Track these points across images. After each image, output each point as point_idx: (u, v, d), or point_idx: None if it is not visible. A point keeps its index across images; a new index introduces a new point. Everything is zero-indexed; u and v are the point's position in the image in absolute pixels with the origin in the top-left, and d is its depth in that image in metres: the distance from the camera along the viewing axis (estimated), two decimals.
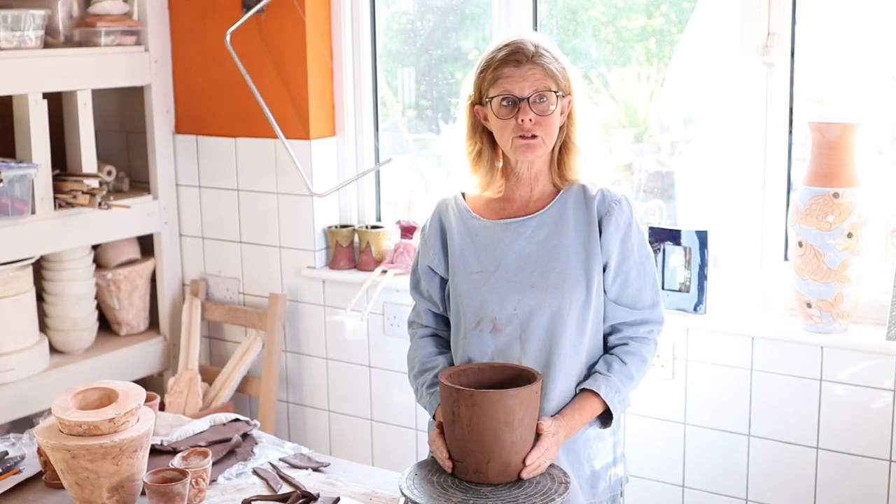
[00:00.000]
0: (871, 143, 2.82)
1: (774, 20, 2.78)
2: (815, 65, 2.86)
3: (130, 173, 3.91)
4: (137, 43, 3.60)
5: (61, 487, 2.17)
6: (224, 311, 3.72)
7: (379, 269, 3.38)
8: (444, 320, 2.26)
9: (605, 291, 2.13)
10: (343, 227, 3.51)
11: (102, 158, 3.75)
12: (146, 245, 3.84)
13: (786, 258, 2.88)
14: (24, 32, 3.26)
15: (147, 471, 2.06)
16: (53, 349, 3.57)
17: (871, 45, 2.83)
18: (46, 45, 3.39)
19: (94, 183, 3.40)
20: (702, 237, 2.86)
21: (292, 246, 3.58)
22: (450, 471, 1.94)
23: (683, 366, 2.91)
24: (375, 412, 3.51)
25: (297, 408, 3.69)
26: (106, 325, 3.80)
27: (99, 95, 3.65)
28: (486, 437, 1.87)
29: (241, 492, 2.15)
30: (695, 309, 2.88)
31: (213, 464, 2.20)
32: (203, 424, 2.44)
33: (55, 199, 3.37)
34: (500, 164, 2.16)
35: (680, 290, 2.90)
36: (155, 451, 2.30)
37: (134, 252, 3.79)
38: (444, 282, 2.21)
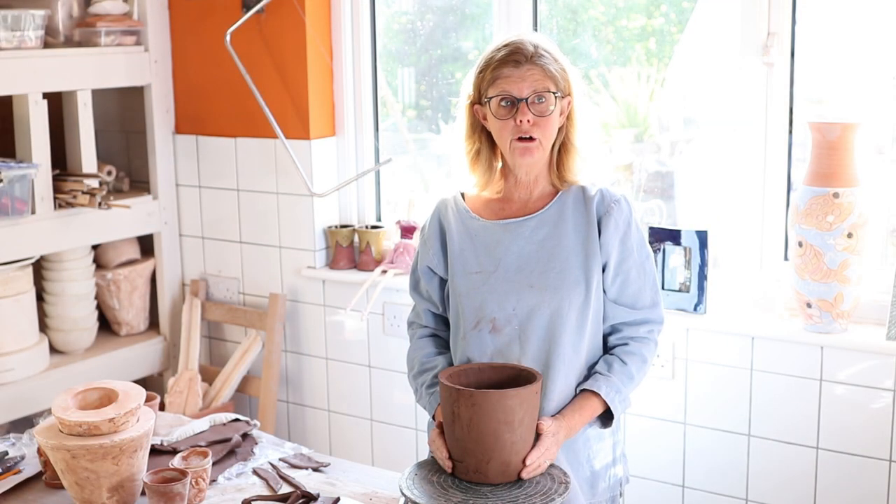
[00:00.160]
0: (871, 143, 2.82)
1: (774, 20, 2.78)
2: (815, 65, 2.86)
3: (130, 173, 3.91)
4: (137, 43, 3.60)
5: (61, 487, 2.17)
6: (224, 311, 3.72)
7: (379, 269, 3.38)
8: (443, 320, 2.26)
9: (604, 291, 2.13)
10: (343, 227, 3.51)
11: (102, 158, 3.76)
12: (146, 245, 3.84)
13: (786, 258, 2.88)
14: (24, 32, 3.26)
15: (147, 471, 2.06)
16: (53, 349, 3.57)
17: (871, 45, 2.83)
18: (46, 45, 3.39)
19: (94, 183, 3.40)
20: (702, 237, 2.86)
21: (292, 246, 3.58)
22: (450, 471, 1.94)
23: (683, 366, 2.91)
24: (375, 412, 3.51)
25: (297, 408, 3.69)
26: (106, 325, 3.80)
27: (99, 95, 3.65)
28: (486, 437, 1.87)
29: (241, 492, 2.15)
30: (695, 309, 2.88)
31: (213, 464, 2.20)
32: (203, 424, 2.44)
33: (55, 199, 3.37)
34: (499, 164, 2.16)
35: (680, 290, 2.90)
36: (155, 451, 2.30)
37: (134, 252, 3.79)
38: (443, 282, 2.21)
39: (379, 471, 2.35)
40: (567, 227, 2.10)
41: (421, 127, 3.71)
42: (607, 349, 2.17)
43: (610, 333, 2.17)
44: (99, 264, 3.71)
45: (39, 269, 3.56)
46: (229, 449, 2.33)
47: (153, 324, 3.90)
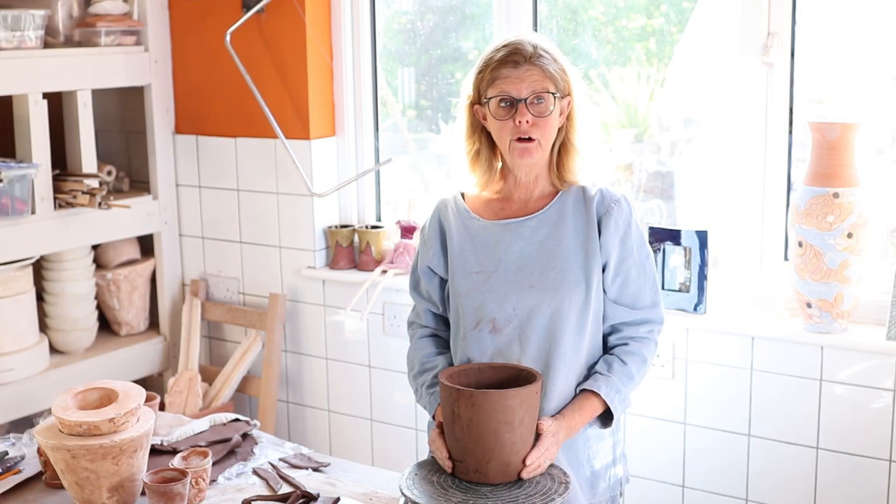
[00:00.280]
0: (871, 143, 2.82)
1: (774, 20, 2.78)
2: (815, 65, 2.86)
3: (130, 173, 3.91)
4: (137, 43, 3.60)
5: (61, 487, 2.17)
6: (224, 311, 3.72)
7: (379, 269, 3.38)
8: (443, 320, 2.26)
9: (604, 291, 2.13)
10: (343, 227, 3.51)
11: (102, 158, 3.76)
12: (146, 245, 3.84)
13: (786, 258, 2.88)
14: (24, 32, 3.26)
15: (147, 471, 2.06)
16: (53, 349, 3.57)
17: (871, 45, 2.83)
18: (46, 45, 3.39)
19: (94, 183, 3.40)
20: (702, 237, 2.86)
21: (292, 246, 3.58)
22: (450, 471, 1.94)
23: (683, 366, 2.91)
24: (375, 412, 3.51)
25: (297, 408, 3.69)
26: (106, 325, 3.80)
27: (99, 95, 3.65)
28: (486, 437, 1.87)
29: (241, 492, 2.15)
30: (695, 309, 2.88)
31: (213, 464, 2.20)
32: (203, 424, 2.44)
33: (55, 199, 3.37)
34: (499, 164, 2.16)
35: (680, 290, 2.90)
36: (155, 451, 2.30)
37: (134, 252, 3.79)
38: (443, 282, 2.21)
39: (379, 471, 2.35)
40: (567, 228, 2.10)
41: (421, 127, 3.71)
42: (607, 349, 2.17)
43: (610, 333, 2.17)
44: (99, 264, 3.71)
45: (39, 269, 3.56)
46: (229, 449, 2.33)
47: (153, 324, 3.90)
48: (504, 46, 2.07)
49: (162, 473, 2.02)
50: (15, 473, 2.24)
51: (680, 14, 3.19)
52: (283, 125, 3.45)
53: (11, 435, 2.43)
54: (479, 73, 2.09)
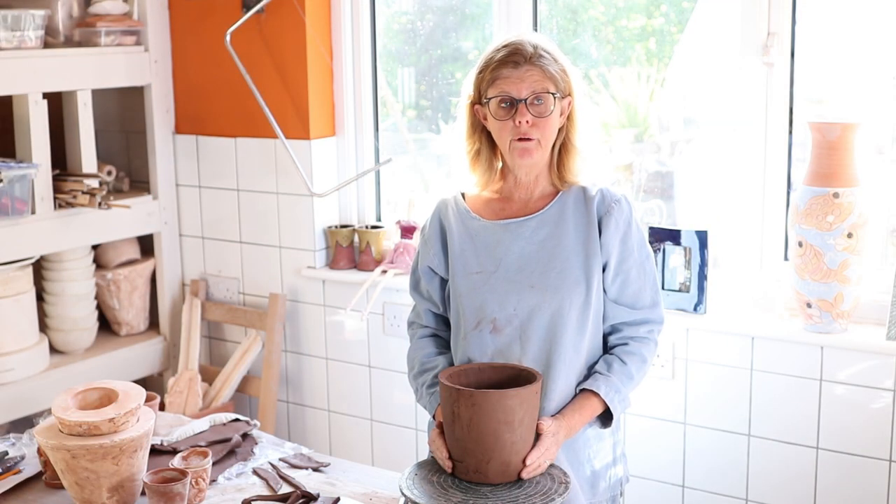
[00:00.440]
0: (871, 143, 2.82)
1: (774, 20, 2.78)
2: (815, 65, 2.86)
3: (130, 173, 3.91)
4: (137, 43, 3.60)
5: (61, 487, 2.17)
6: (224, 311, 3.72)
7: (379, 269, 3.38)
8: (443, 320, 2.26)
9: (604, 291, 2.13)
10: (343, 227, 3.51)
11: (102, 158, 3.76)
12: (146, 245, 3.84)
13: (786, 258, 2.88)
14: (24, 32, 3.26)
15: (147, 471, 2.06)
16: (53, 349, 3.57)
17: (871, 45, 2.83)
18: (46, 45, 3.39)
19: (94, 183, 3.40)
20: (702, 237, 2.86)
21: (292, 246, 3.58)
22: (450, 471, 1.94)
23: (683, 366, 2.91)
24: (375, 412, 3.51)
25: (297, 408, 3.69)
26: (106, 325, 3.80)
27: (99, 95, 3.65)
28: (486, 437, 1.87)
29: (241, 492, 2.15)
30: (695, 309, 2.88)
31: (213, 464, 2.20)
32: (203, 424, 2.44)
33: (55, 199, 3.37)
34: (500, 164, 2.17)
35: (680, 290, 2.90)
36: (155, 451, 2.30)
37: (134, 252, 3.79)
38: (444, 282, 2.21)
39: (379, 471, 2.35)
40: (568, 227, 2.10)
41: (421, 127, 3.71)
42: (607, 349, 2.17)
43: (610, 333, 2.17)
44: (99, 264, 3.71)
45: (39, 269, 3.56)
46: (229, 449, 2.33)
47: (153, 324, 3.90)
48: (504, 46, 2.07)
49: (162, 473, 2.02)
50: (15, 473, 2.24)
51: (680, 14, 3.19)
52: (283, 125, 3.45)
53: (11, 435, 2.43)
54: (480, 73, 2.09)
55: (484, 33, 3.44)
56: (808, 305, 2.69)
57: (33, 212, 3.29)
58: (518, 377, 1.97)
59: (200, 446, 2.28)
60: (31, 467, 2.27)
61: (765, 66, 2.81)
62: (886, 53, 2.77)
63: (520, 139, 2.05)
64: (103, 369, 3.57)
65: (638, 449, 2.98)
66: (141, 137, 3.80)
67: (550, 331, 2.07)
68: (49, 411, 2.43)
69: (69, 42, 3.50)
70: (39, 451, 2.23)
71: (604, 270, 2.11)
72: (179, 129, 3.75)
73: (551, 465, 1.97)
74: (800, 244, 2.67)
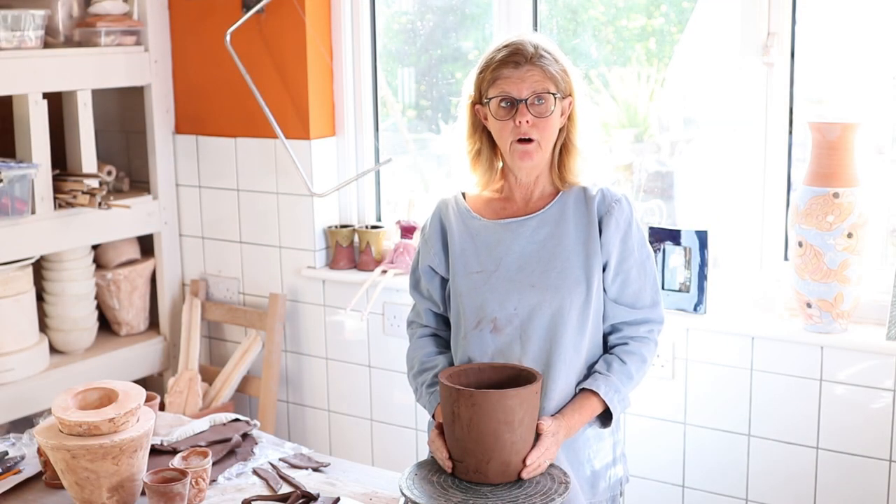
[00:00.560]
0: (871, 143, 2.82)
1: (774, 20, 2.78)
2: (815, 65, 2.86)
3: (130, 173, 3.91)
4: (137, 43, 3.60)
5: (61, 487, 2.17)
6: (224, 311, 3.72)
7: (379, 269, 3.38)
8: (443, 320, 2.26)
9: (605, 291, 2.13)
10: (343, 227, 3.51)
11: (102, 158, 3.76)
12: (146, 245, 3.84)
13: (786, 258, 2.88)
14: (24, 32, 3.26)
15: (147, 471, 2.06)
16: (53, 349, 3.57)
17: (871, 45, 2.83)
18: (46, 45, 3.39)
19: (94, 183, 3.40)
20: (702, 237, 2.86)
21: (292, 246, 3.58)
22: (450, 471, 1.94)
23: (683, 366, 2.91)
24: (375, 412, 3.51)
25: (297, 408, 3.69)
26: (106, 325, 3.80)
27: (99, 95, 3.65)
28: (486, 437, 1.87)
29: (241, 492, 2.15)
30: (695, 309, 2.88)
31: (213, 464, 2.20)
32: (203, 424, 2.44)
33: (55, 199, 3.37)
34: (500, 164, 2.17)
35: (680, 290, 2.90)
36: (155, 451, 2.30)
37: (134, 252, 3.79)
38: (444, 281, 2.21)
39: (379, 471, 2.35)
40: (568, 227, 2.10)
41: (421, 127, 3.71)
42: (607, 349, 2.17)
43: (610, 333, 2.17)
44: (99, 264, 3.71)
45: (39, 269, 3.56)
46: (229, 449, 2.33)
47: (153, 324, 3.90)
48: (505, 46, 2.07)
49: (162, 473, 2.02)
50: (15, 473, 2.24)
51: (680, 14, 3.19)
52: (283, 125, 3.45)
53: (11, 435, 2.43)
54: (480, 73, 2.09)
55: (484, 33, 3.44)
56: (808, 305, 2.69)
57: (33, 212, 3.29)
58: (518, 377, 1.97)
59: (200, 446, 2.28)
60: (31, 467, 2.27)
61: (765, 66, 2.81)
62: (886, 53, 2.77)
63: (520, 141, 2.05)
64: (103, 369, 3.57)
65: (638, 449, 2.98)
66: (141, 137, 3.80)
67: (551, 330, 2.07)
68: (49, 411, 2.43)
69: (69, 42, 3.50)
70: (39, 451, 2.23)
71: (604, 270, 2.11)
72: (179, 129, 3.75)
73: (551, 465, 1.97)
74: (800, 244, 2.67)
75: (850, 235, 2.61)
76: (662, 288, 2.90)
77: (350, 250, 3.50)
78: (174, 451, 2.30)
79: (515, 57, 2.04)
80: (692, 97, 3.29)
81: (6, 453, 2.30)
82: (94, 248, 3.69)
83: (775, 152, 2.85)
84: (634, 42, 3.29)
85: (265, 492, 2.16)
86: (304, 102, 3.44)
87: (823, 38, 2.87)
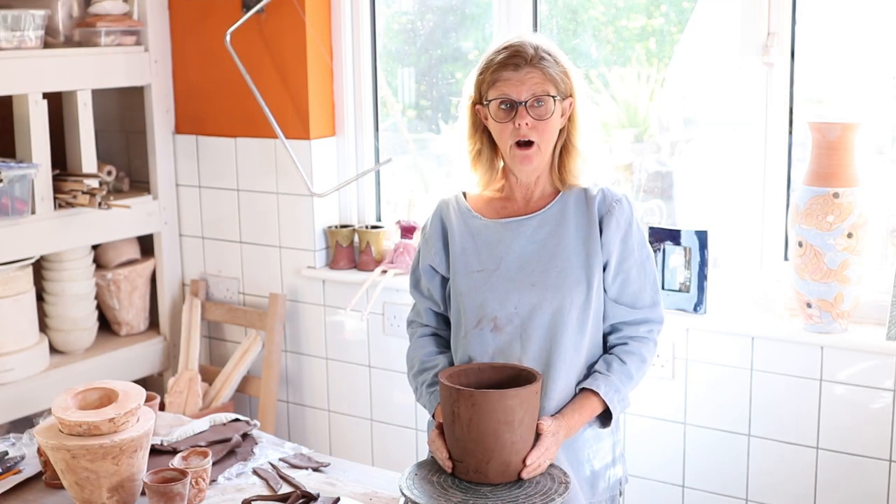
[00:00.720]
0: (871, 143, 2.82)
1: (774, 20, 2.78)
2: (815, 65, 2.86)
3: (130, 173, 3.91)
4: (137, 43, 3.60)
5: (61, 487, 2.17)
6: (224, 311, 3.72)
7: (379, 269, 3.38)
8: (444, 319, 2.26)
9: (605, 290, 2.13)
10: (343, 227, 3.51)
11: (102, 158, 3.76)
12: (146, 245, 3.84)
13: (786, 258, 2.88)
14: (24, 32, 3.26)
15: (147, 471, 2.06)
16: (53, 349, 3.57)
17: (871, 45, 2.83)
18: (46, 45, 3.39)
19: (94, 183, 3.40)
20: (702, 237, 2.86)
21: (292, 246, 3.58)
22: (450, 471, 1.94)
23: (683, 366, 2.91)
24: (375, 412, 3.51)
25: (297, 408, 3.69)
26: (106, 325, 3.80)
27: (99, 95, 3.65)
28: (486, 437, 1.87)
29: (241, 492, 2.15)
30: (695, 309, 2.88)
31: (213, 464, 2.20)
32: (203, 424, 2.44)
33: (55, 199, 3.37)
34: (501, 163, 2.17)
35: (680, 290, 2.90)
36: (155, 451, 2.30)
37: (134, 252, 3.79)
38: (445, 281, 2.21)
39: (379, 471, 2.35)
40: (569, 226, 2.10)
41: (421, 127, 3.71)
42: (607, 348, 2.17)
43: (610, 333, 2.17)
44: (99, 264, 3.71)
45: (39, 269, 3.56)
46: (229, 449, 2.33)
47: (153, 324, 3.90)
48: (505, 48, 2.06)
49: (162, 473, 2.02)
50: (15, 473, 2.24)
51: (680, 14, 3.19)
52: (283, 125, 3.45)
53: (11, 435, 2.43)
54: (480, 74, 2.09)
55: (484, 33, 3.44)
56: (808, 305, 2.69)
57: (33, 212, 3.29)
58: (518, 377, 1.97)
59: (200, 446, 2.28)
60: (31, 467, 2.27)
61: (765, 66, 2.81)
62: (886, 53, 2.77)
63: (519, 146, 2.05)
64: (103, 369, 3.57)
65: (638, 449, 2.98)
66: (141, 137, 3.80)
67: (551, 330, 2.07)
68: (49, 411, 2.43)
69: (69, 42, 3.50)
70: (39, 451, 2.23)
71: (604, 270, 2.11)
72: (179, 129, 3.75)
73: (551, 465, 1.97)
74: (800, 244, 2.67)
75: (850, 235, 2.61)
76: (662, 288, 2.90)
77: (350, 250, 3.50)
78: (174, 451, 2.30)
79: (515, 59, 2.04)
80: (692, 97, 3.29)
81: (6, 453, 2.30)
82: (94, 248, 3.69)
83: (775, 152, 2.85)
84: (634, 42, 3.29)
85: (265, 492, 2.16)
86: (304, 102, 3.44)
87: (823, 38, 2.87)
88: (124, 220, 3.59)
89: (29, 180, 3.25)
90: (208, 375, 3.71)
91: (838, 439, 2.73)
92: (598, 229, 2.10)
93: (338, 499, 2.09)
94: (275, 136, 3.47)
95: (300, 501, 2.08)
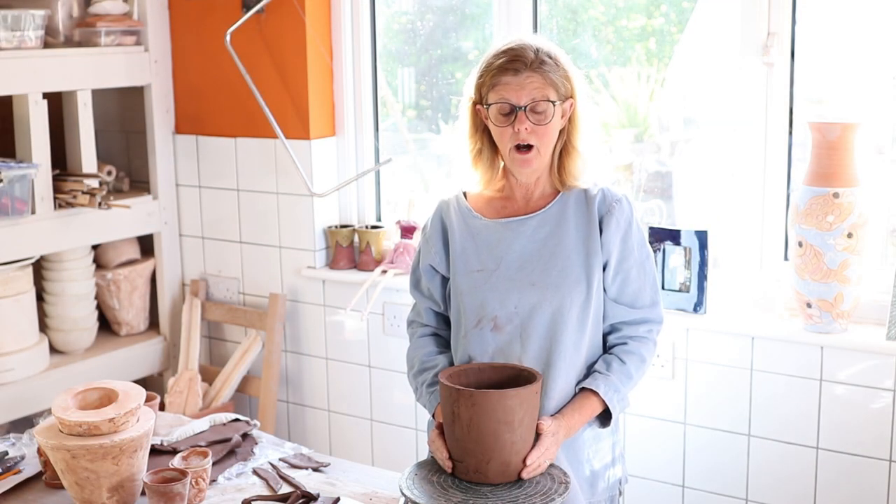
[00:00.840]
0: (871, 143, 2.82)
1: (774, 20, 2.78)
2: (815, 65, 2.86)
3: (130, 173, 3.91)
4: (137, 43, 3.60)
5: (61, 487, 2.17)
6: (224, 311, 3.72)
7: (379, 269, 3.38)
8: (444, 319, 2.26)
9: (604, 290, 2.13)
10: (343, 227, 3.51)
11: (102, 158, 3.76)
12: (146, 245, 3.84)
13: (786, 258, 2.88)
14: (24, 32, 3.26)
15: (147, 471, 2.06)
16: (53, 349, 3.57)
17: (871, 45, 2.83)
18: (46, 45, 3.39)
19: (94, 183, 3.40)
20: (702, 237, 2.86)
21: (292, 246, 3.58)
22: (450, 471, 1.94)
23: (683, 366, 2.91)
24: (375, 412, 3.51)
25: (297, 408, 3.69)
26: (106, 325, 3.80)
27: (99, 95, 3.65)
28: (486, 437, 1.87)
29: (241, 492, 2.15)
30: (695, 309, 2.88)
31: (213, 464, 2.20)
32: (203, 424, 2.44)
33: (55, 199, 3.37)
34: (501, 163, 2.17)
35: (680, 290, 2.90)
36: (155, 451, 2.30)
37: (134, 252, 3.79)
38: (445, 280, 2.21)
39: (379, 471, 2.35)
40: (569, 226, 2.10)
41: (421, 127, 3.71)
42: (606, 348, 2.17)
43: (609, 332, 2.17)
44: (99, 264, 3.71)
45: (39, 269, 3.56)
46: (229, 449, 2.33)
47: (153, 324, 3.90)
48: (505, 52, 2.06)
49: (162, 473, 2.02)
50: (15, 473, 2.24)
51: (680, 14, 3.19)
52: (283, 125, 3.45)
53: (11, 435, 2.43)
54: (480, 77, 2.09)
55: (484, 33, 3.44)
56: (808, 305, 2.69)
57: (33, 212, 3.29)
58: (518, 377, 1.97)
59: (200, 446, 2.28)
60: (31, 467, 2.27)
61: (765, 66, 2.81)
62: (886, 53, 2.77)
63: (519, 149, 2.05)
64: (103, 369, 3.57)
65: (638, 449, 2.98)
66: (141, 137, 3.80)
67: (551, 329, 2.07)
68: (49, 411, 2.43)
69: (69, 42, 3.50)
70: (39, 451, 2.23)
71: (604, 269, 2.11)
72: (179, 129, 3.75)
73: (551, 465, 1.97)
74: (800, 244, 2.67)
75: (850, 235, 2.61)
76: (662, 288, 2.90)
77: (350, 250, 3.50)
78: (174, 451, 2.30)
79: (515, 64, 2.04)
80: (692, 97, 3.29)
81: (6, 453, 2.30)
82: (94, 248, 3.69)
83: (775, 152, 2.85)
84: (634, 42, 3.29)
85: (265, 492, 2.16)
86: (304, 102, 3.44)
87: (823, 38, 2.87)
88: (124, 220, 3.59)
89: (29, 180, 3.25)
90: (208, 375, 3.71)
91: (838, 439, 2.73)
92: (598, 229, 2.10)
93: (338, 499, 2.09)
94: (275, 136, 3.47)
95: (300, 501, 2.08)
